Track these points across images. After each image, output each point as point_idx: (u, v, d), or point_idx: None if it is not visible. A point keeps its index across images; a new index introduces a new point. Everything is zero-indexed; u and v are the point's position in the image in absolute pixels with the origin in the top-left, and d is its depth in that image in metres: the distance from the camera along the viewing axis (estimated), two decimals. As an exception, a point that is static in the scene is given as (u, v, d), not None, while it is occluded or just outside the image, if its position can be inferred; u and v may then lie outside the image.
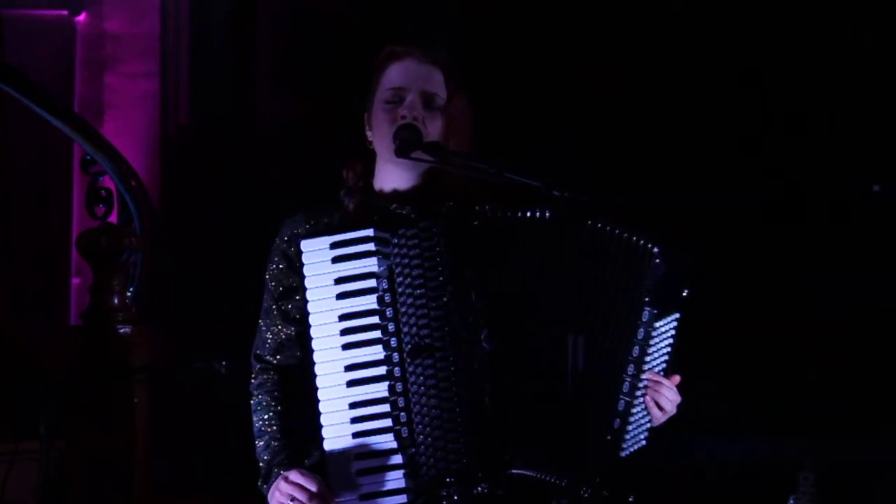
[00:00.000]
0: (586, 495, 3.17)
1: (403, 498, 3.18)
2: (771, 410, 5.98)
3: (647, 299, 3.23)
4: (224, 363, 3.63)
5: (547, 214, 3.22)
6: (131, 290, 4.64)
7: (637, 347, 3.24)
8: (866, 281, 6.52)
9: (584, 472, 3.18)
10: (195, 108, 6.27)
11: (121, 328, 4.63)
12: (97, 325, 4.60)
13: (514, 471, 3.16)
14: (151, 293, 4.81)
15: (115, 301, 4.66)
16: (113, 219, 4.88)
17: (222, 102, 6.57)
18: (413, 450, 3.17)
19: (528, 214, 3.22)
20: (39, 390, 4.41)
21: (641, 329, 3.22)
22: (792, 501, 4.61)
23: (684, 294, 3.30)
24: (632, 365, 3.24)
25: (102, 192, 4.86)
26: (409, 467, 3.17)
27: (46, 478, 4.11)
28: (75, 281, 5.75)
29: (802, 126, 6.73)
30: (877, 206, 5.54)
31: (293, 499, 3.23)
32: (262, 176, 6.54)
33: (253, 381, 3.45)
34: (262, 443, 3.35)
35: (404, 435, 3.19)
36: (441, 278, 3.19)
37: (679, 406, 3.29)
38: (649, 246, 3.24)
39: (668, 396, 3.28)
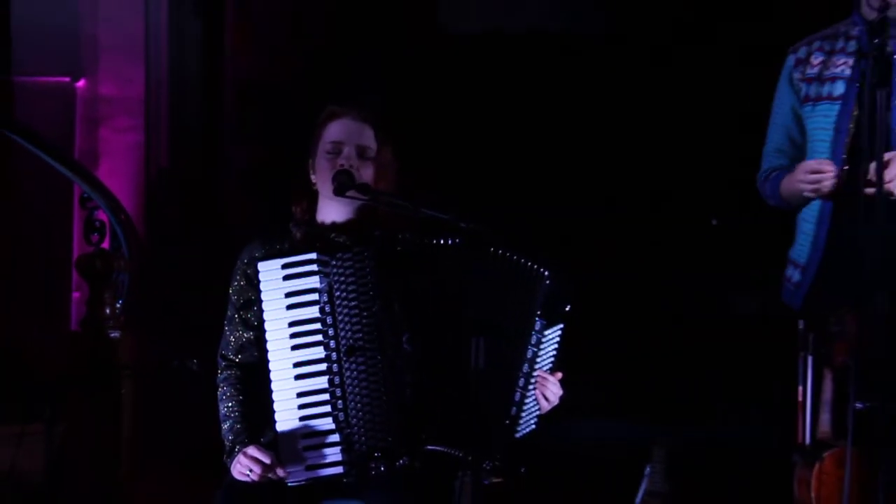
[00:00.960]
0: (488, 467, 3.16)
1: (340, 469, 3.16)
2: (632, 400, 6.00)
3: (538, 312, 3.23)
4: (196, 361, 3.58)
5: (456, 241, 3.16)
6: (120, 302, 4.62)
7: (530, 350, 3.24)
8: (719, 287, 6.55)
9: (487, 448, 3.17)
10: (173, 155, 6.28)
11: (111, 333, 4.59)
12: (92, 330, 4.56)
13: (429, 447, 3.16)
14: (136, 305, 4.79)
15: (107, 311, 4.61)
16: (105, 245, 4.83)
17: (195, 150, 6.55)
18: (348, 430, 3.16)
19: (440, 241, 3.21)
20: (44, 383, 4.42)
21: (534, 336, 3.24)
22: (648, 469, 4.60)
23: (567, 309, 3.30)
24: (526, 364, 3.25)
25: (97, 223, 4.83)
26: (344, 444, 3.16)
27: (50, 455, 4.10)
28: (75, 295, 5.71)
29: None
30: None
31: (251, 470, 3.21)
32: (227, 209, 6.54)
33: (219, 375, 3.46)
34: (226, 425, 3.32)
35: (341, 418, 3.17)
36: (371, 293, 3.18)
37: (561, 398, 3.30)
38: (541, 270, 3.24)
39: (553, 390, 3.31)
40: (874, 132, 3.41)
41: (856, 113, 3.56)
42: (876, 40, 3.42)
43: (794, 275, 3.70)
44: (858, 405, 3.33)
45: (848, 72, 3.61)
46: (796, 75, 3.70)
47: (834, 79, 3.63)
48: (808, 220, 3.67)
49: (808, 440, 3.56)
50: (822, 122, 3.62)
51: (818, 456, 3.47)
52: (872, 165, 3.43)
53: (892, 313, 3.41)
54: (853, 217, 3.51)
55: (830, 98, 3.62)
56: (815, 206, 3.64)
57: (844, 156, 3.54)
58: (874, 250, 3.39)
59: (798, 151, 3.73)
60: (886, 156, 3.46)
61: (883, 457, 3.32)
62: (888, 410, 3.32)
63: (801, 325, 3.59)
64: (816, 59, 3.67)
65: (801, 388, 3.55)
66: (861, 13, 3.65)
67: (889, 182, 3.46)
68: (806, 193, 3.56)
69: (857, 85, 3.56)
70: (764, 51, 3.87)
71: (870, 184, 3.43)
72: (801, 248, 3.68)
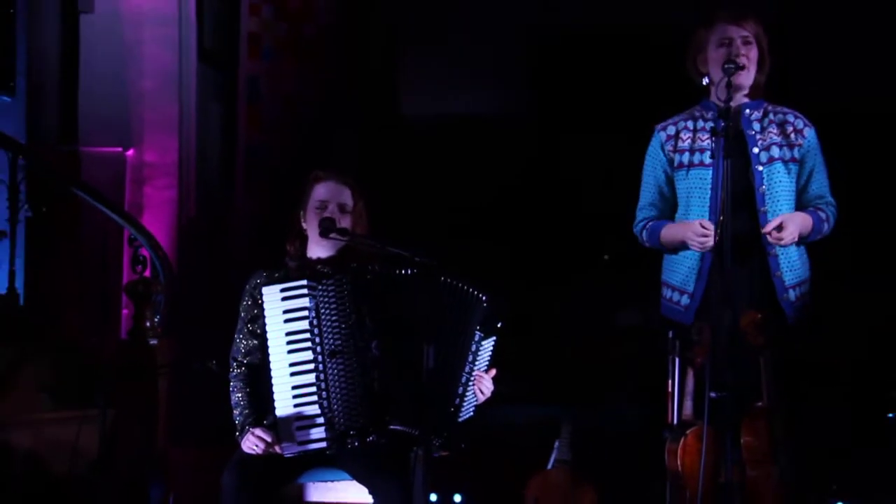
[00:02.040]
0: (437, 444, 3.18)
1: (324, 444, 3.17)
2: (546, 389, 5.98)
3: (478, 327, 3.26)
4: (214, 362, 3.56)
5: (413, 272, 3.21)
6: (157, 317, 4.58)
7: (471, 356, 3.30)
8: (610, 304, 6.55)
9: (436, 429, 3.20)
10: (199, 207, 6.25)
11: (151, 341, 4.55)
12: (136, 338, 4.53)
13: (392, 427, 3.18)
14: (170, 319, 4.76)
15: (147, 324, 4.60)
16: (147, 274, 4.82)
17: (216, 203, 6.51)
18: (330, 414, 3.19)
19: (402, 272, 3.25)
20: (101, 377, 4.34)
21: (474, 345, 3.29)
22: (557, 443, 4.58)
23: (499, 325, 3.32)
24: (468, 366, 3.29)
25: (141, 257, 4.83)
26: (328, 425, 3.16)
27: (104, 433, 4.03)
28: (125, 312, 5.67)
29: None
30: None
31: (257, 445, 3.23)
32: (237, 247, 6.50)
33: (231, 373, 3.42)
34: (237, 411, 3.34)
35: (325, 405, 3.18)
36: (347, 310, 3.22)
37: (493, 392, 3.34)
38: (481, 296, 3.26)
39: (488, 386, 3.39)
40: (743, 191, 3.50)
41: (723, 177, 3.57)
42: (723, 123, 3.45)
43: (681, 299, 3.66)
44: (712, 394, 3.34)
45: (713, 145, 3.59)
46: (668, 147, 3.68)
47: (703, 150, 3.62)
48: (689, 257, 3.65)
49: (675, 421, 3.56)
50: (698, 183, 3.61)
51: (682, 433, 3.47)
52: (774, 222, 3.48)
53: (734, 327, 3.43)
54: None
55: (702, 165, 3.61)
56: None
57: (719, 208, 3.54)
58: (731, 281, 3.41)
59: (667, 204, 3.73)
60: (779, 218, 3.49)
61: (728, 433, 3.35)
62: (732, 399, 3.33)
63: (670, 334, 3.58)
64: (686, 135, 3.67)
65: (669, 382, 3.56)
66: (713, 101, 3.67)
67: (783, 238, 3.47)
68: (692, 246, 3.55)
69: (722, 155, 3.57)
70: (632, 130, 3.89)
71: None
72: (686, 278, 3.65)
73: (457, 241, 6.91)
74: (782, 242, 3.48)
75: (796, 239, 3.51)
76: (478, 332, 3.27)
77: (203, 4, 6.29)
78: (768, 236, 3.48)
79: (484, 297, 3.26)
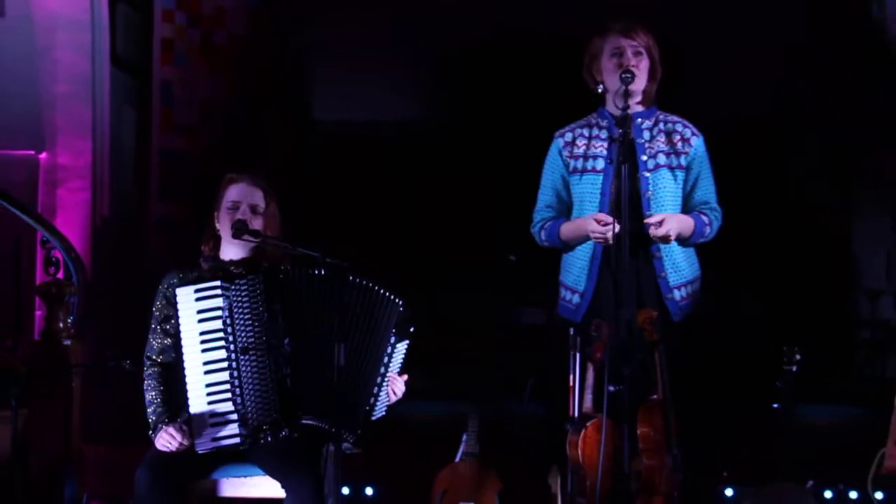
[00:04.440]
0: (350, 440, 3.18)
1: (238, 439, 3.15)
2: (454, 385, 6.00)
3: (393, 331, 3.25)
4: (129, 362, 3.49)
5: (322, 272, 3.20)
6: (70, 318, 4.48)
7: (386, 357, 3.30)
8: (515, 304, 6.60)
9: (350, 425, 3.19)
10: (112, 209, 6.17)
11: (64, 341, 4.44)
12: (49, 339, 4.41)
13: (304, 421, 3.16)
14: (82, 320, 4.67)
15: (61, 325, 4.47)
16: (60, 275, 4.70)
17: (130, 205, 6.44)
18: (243, 410, 3.16)
19: (312, 272, 3.24)
20: (13, 378, 4.22)
21: (389, 348, 3.28)
22: (465, 436, 4.61)
23: (412, 329, 3.31)
24: (382, 367, 3.29)
25: (54, 259, 4.70)
26: (241, 420, 3.14)
27: (16, 433, 3.93)
28: (38, 313, 5.55)
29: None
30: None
31: (170, 442, 3.19)
32: (150, 248, 6.44)
33: (145, 372, 3.38)
34: (151, 409, 3.31)
35: (238, 402, 3.16)
36: (260, 309, 3.20)
37: (404, 393, 3.34)
38: (397, 300, 3.25)
39: (399, 387, 3.38)
40: (631, 194, 3.53)
41: (613, 182, 3.63)
42: (620, 131, 3.53)
43: (573, 298, 3.73)
44: (610, 388, 3.40)
45: (605, 152, 3.68)
46: (565, 153, 3.75)
47: (595, 157, 3.69)
48: (581, 259, 3.71)
49: (576, 414, 3.58)
50: (590, 188, 3.69)
51: (583, 425, 3.50)
52: (655, 217, 3.54)
53: (630, 324, 3.48)
54: (611, 256, 3.59)
55: (594, 171, 3.69)
56: (588, 247, 3.69)
57: (609, 211, 3.61)
58: (624, 277, 3.48)
59: (563, 206, 3.79)
60: (659, 215, 3.54)
61: (626, 424, 3.41)
62: (629, 392, 3.39)
63: (571, 331, 3.60)
64: (581, 142, 3.73)
65: (571, 377, 3.57)
66: (608, 109, 3.74)
67: (664, 233, 3.53)
68: (595, 238, 3.59)
69: (613, 162, 3.64)
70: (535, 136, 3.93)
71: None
72: (578, 278, 3.72)
73: (367, 241, 6.91)
74: (659, 234, 3.55)
75: (673, 236, 3.59)
76: (393, 336, 3.27)
77: (116, 10, 6.21)
78: (649, 229, 3.55)
79: (400, 302, 3.27)
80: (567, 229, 3.71)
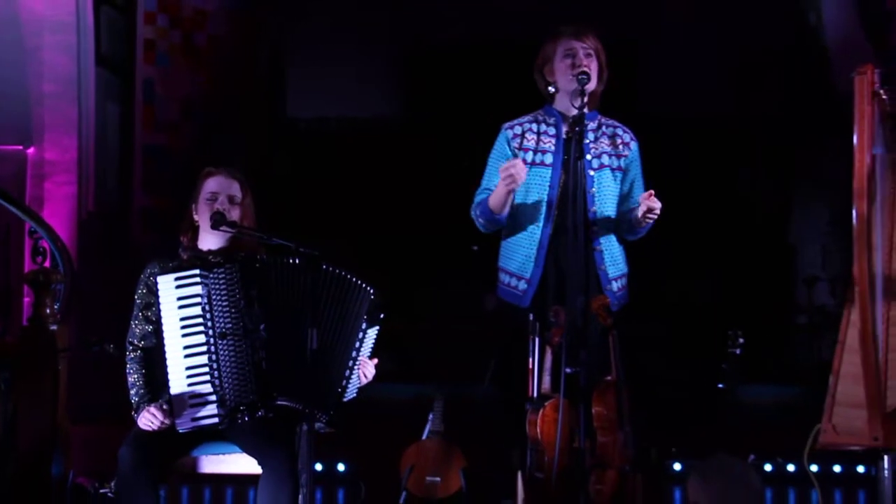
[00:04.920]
0: (323, 419, 3.18)
1: (216, 419, 3.14)
2: (420, 368, 6.03)
3: (364, 317, 3.25)
4: (112, 346, 3.48)
5: (297, 261, 3.20)
6: (57, 304, 4.44)
7: (357, 342, 3.30)
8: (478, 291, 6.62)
9: (322, 406, 3.19)
10: (97, 201, 6.12)
11: (51, 327, 4.36)
12: (37, 324, 4.33)
13: (280, 402, 3.16)
14: (68, 306, 4.64)
15: (48, 311, 4.38)
16: (47, 264, 4.67)
17: (113, 198, 6.39)
18: (221, 391, 3.20)
19: (287, 260, 3.24)
20: (2, 362, 4.15)
21: (360, 333, 3.29)
22: (431, 416, 4.63)
23: (382, 316, 3.31)
24: (354, 352, 3.29)
25: (41, 249, 4.67)
26: (219, 401, 3.13)
27: (5, 414, 3.93)
28: (26, 300, 5.52)
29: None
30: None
31: (152, 422, 3.18)
32: (133, 239, 6.41)
33: (127, 356, 3.37)
34: (133, 391, 3.30)
35: (216, 384, 3.17)
36: (237, 295, 3.20)
37: (374, 376, 3.34)
38: (368, 289, 3.25)
39: (370, 371, 3.38)
40: (578, 188, 3.54)
41: (562, 176, 3.66)
42: (577, 128, 3.55)
43: (518, 284, 3.73)
44: (567, 370, 3.44)
45: (553, 147, 3.70)
46: (514, 144, 3.75)
47: (545, 151, 3.72)
48: (525, 246, 3.71)
49: (535, 394, 3.60)
50: (538, 179, 3.71)
51: (542, 405, 3.53)
52: (650, 193, 3.55)
53: (585, 310, 3.51)
54: (560, 244, 3.61)
55: (543, 164, 3.71)
56: (532, 235, 3.70)
57: (556, 204, 3.62)
58: (576, 266, 3.50)
59: None
60: (646, 195, 3.56)
61: (581, 404, 3.44)
62: (584, 374, 3.42)
63: (531, 317, 3.62)
64: (531, 136, 3.74)
65: (530, 359, 3.59)
66: (555, 108, 3.75)
67: (656, 206, 3.54)
68: (507, 185, 3.54)
69: (563, 157, 3.66)
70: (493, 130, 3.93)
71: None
72: (523, 265, 3.71)
73: (339, 232, 6.91)
74: (656, 205, 3.55)
75: (657, 211, 3.57)
76: (364, 322, 3.28)
77: (100, 13, 6.17)
78: (646, 200, 3.54)
79: (372, 291, 3.28)
80: (492, 198, 3.67)
